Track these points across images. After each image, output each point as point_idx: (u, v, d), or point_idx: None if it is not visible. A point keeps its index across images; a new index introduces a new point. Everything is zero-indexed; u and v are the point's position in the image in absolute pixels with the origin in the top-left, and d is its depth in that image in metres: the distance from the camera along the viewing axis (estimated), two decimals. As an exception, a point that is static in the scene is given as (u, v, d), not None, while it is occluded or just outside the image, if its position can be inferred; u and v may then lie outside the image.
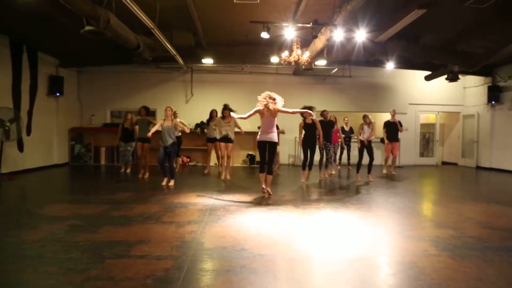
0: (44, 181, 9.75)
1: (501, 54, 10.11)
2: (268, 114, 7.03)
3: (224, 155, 9.86)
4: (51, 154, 12.24)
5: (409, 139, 14.87)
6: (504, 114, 13.24)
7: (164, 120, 8.56)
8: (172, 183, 8.52)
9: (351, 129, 12.68)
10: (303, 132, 9.38)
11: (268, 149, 7.20)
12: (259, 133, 7.28)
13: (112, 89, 14.04)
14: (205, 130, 11.52)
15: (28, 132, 10.64)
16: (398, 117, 11.52)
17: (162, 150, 8.43)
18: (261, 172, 7.38)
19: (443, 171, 13.76)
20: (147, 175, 9.92)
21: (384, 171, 11.54)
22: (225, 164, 9.87)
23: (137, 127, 10.49)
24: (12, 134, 9.26)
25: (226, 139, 9.75)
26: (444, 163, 15.95)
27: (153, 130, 8.77)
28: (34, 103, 10.95)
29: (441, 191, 9.53)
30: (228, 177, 9.71)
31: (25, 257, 3.76)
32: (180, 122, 9.11)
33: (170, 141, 8.42)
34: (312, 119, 9.12)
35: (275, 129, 7.22)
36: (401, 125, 11.33)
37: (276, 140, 7.26)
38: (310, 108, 8.68)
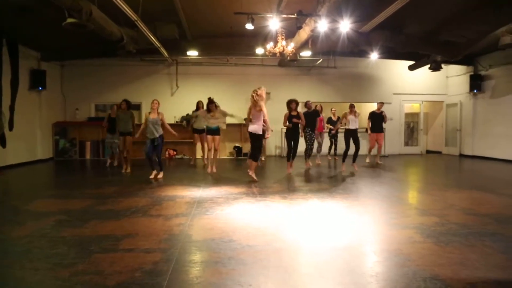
0: (28, 177, 9.61)
1: (482, 43, 10.25)
2: (254, 108, 7.80)
3: (211, 148, 9.69)
4: (34, 149, 12.05)
5: (393, 129, 15.06)
6: (486, 103, 13.47)
7: (150, 112, 8.45)
8: (161, 175, 8.51)
9: (338, 119, 12.74)
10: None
11: (250, 139, 8.11)
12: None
13: (96, 82, 13.82)
14: (191, 120, 11.43)
15: (11, 128, 10.42)
16: (383, 108, 11.69)
17: (149, 143, 8.36)
18: (249, 158, 8.20)
19: (428, 160, 13.97)
20: (129, 170, 9.70)
21: (367, 160, 11.70)
22: (212, 157, 9.67)
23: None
24: (-6, 130, 9.10)
25: (213, 131, 9.54)
26: (428, 151, 16.19)
27: (142, 128, 8.62)
28: (16, 98, 10.71)
29: (425, 179, 9.68)
30: (214, 170, 9.52)
31: (12, 253, 3.73)
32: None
33: (156, 133, 8.36)
34: (297, 112, 9.35)
35: (260, 122, 7.84)
36: (385, 116, 11.62)
37: (259, 132, 7.92)
38: (292, 101, 9.44)
